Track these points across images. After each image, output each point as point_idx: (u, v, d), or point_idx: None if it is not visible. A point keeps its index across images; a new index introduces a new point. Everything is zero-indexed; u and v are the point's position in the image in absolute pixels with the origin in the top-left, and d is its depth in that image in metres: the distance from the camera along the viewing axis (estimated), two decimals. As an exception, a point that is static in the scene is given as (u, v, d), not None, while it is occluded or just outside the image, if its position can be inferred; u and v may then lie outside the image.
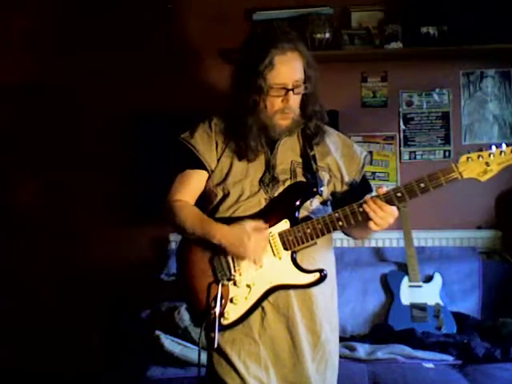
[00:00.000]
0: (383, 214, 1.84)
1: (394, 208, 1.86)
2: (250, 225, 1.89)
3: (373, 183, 3.48)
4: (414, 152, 3.61)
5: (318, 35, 3.43)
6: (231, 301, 1.93)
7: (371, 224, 1.86)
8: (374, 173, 3.61)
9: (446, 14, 3.37)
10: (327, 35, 3.44)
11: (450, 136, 3.60)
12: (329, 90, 3.43)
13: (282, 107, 1.94)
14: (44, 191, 3.72)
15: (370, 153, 3.60)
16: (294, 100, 1.96)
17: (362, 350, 2.93)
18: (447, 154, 3.59)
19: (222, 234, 1.90)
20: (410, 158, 3.62)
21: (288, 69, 1.92)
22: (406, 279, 3.25)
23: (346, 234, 2.06)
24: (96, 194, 3.67)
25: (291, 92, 1.93)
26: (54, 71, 3.68)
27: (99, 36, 3.65)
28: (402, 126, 3.62)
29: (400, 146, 3.62)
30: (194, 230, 1.95)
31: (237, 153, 2.00)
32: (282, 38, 1.94)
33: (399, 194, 1.84)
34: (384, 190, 1.87)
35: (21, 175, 3.74)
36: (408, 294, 3.22)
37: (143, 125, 3.62)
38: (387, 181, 3.59)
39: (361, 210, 1.86)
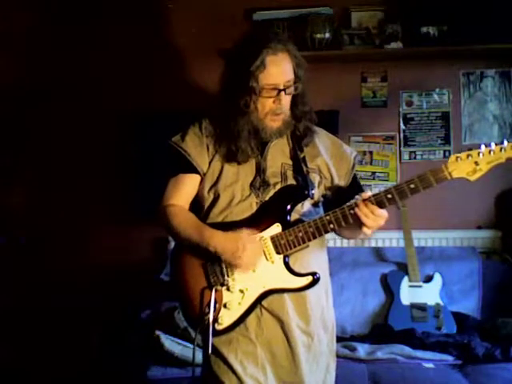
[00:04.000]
0: (374, 218, 1.84)
1: (384, 211, 1.86)
2: (245, 233, 1.89)
3: (373, 183, 3.57)
4: (414, 152, 3.61)
5: (318, 35, 3.43)
6: (225, 306, 1.93)
7: (364, 228, 1.86)
8: (373, 173, 3.61)
9: (446, 14, 3.37)
10: (327, 35, 3.44)
11: (449, 136, 3.60)
12: (329, 89, 3.47)
13: (274, 108, 1.93)
14: (44, 191, 3.72)
15: (370, 153, 3.60)
16: (286, 101, 1.95)
17: (362, 350, 2.93)
18: (447, 154, 3.58)
19: (217, 241, 1.89)
20: (409, 158, 3.61)
21: (279, 69, 1.91)
22: (405, 279, 3.25)
23: (336, 233, 2.04)
24: (96, 193, 3.67)
25: (283, 92, 1.92)
26: (54, 71, 3.68)
27: (99, 36, 3.65)
28: (402, 126, 3.62)
29: (400, 146, 3.62)
30: (189, 237, 1.94)
31: (227, 155, 1.98)
32: (273, 38, 1.93)
33: (389, 196, 1.84)
34: (368, 194, 1.86)
35: (21, 175, 3.75)
36: (408, 294, 3.22)
37: (143, 125, 3.63)
38: (387, 181, 3.59)
39: (352, 212, 1.85)
